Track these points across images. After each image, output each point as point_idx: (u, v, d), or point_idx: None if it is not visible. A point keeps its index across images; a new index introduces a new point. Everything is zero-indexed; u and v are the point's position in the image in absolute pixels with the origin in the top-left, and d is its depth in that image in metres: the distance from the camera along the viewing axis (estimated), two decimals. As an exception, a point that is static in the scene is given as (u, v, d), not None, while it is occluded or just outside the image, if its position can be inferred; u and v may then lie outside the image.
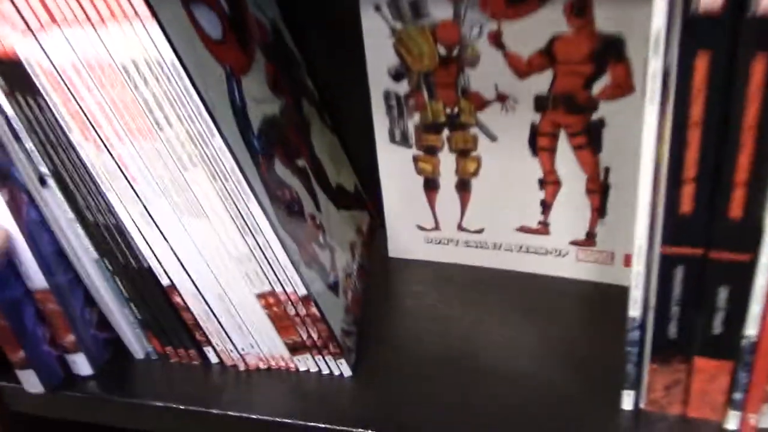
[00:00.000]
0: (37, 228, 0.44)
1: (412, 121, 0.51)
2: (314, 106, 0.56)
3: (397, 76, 0.50)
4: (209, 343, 0.48)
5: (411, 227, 0.57)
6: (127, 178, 0.42)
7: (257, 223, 0.42)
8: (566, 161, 0.49)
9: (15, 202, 0.43)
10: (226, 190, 0.41)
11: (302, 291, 0.44)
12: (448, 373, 0.47)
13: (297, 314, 0.45)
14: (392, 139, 0.53)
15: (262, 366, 0.48)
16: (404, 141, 0.53)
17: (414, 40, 0.48)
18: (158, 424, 0.48)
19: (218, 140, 0.40)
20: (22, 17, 0.37)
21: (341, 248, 0.52)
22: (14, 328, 0.44)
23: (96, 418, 0.48)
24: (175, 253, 0.44)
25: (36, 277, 0.44)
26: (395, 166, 0.54)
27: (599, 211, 0.51)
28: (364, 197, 0.61)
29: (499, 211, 0.53)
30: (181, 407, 0.47)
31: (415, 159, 0.53)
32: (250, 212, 0.42)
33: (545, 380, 0.45)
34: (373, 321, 0.51)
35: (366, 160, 0.58)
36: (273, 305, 0.45)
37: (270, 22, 0.52)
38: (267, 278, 0.44)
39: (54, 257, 0.45)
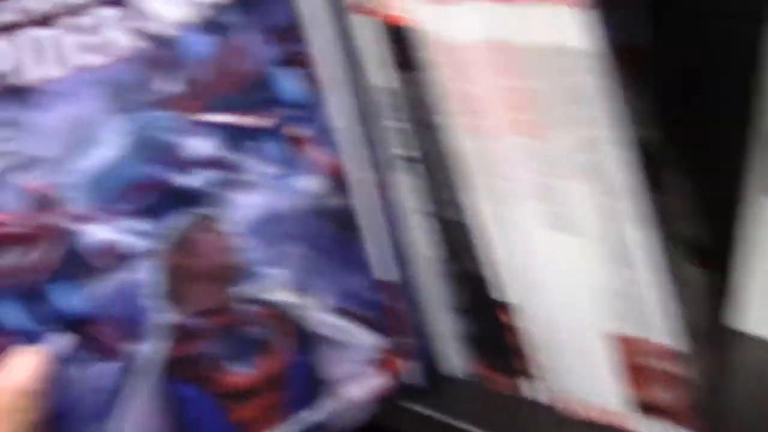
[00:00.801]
0: (391, 214, 0.41)
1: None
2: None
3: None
4: (530, 374, 0.42)
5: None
6: (496, 176, 0.37)
7: (641, 255, 0.36)
8: None
9: (368, 183, 0.40)
10: (612, 211, 0.36)
11: (672, 345, 0.37)
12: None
13: (656, 369, 0.38)
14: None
15: (589, 415, 0.42)
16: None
17: None
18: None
19: (617, 153, 0.34)
20: (435, -16, 0.34)
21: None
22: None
23: (399, 425, 0.45)
24: (526, 269, 0.39)
25: (388, 266, 0.41)
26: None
27: None
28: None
29: None
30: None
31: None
32: (635, 241, 0.36)
33: None
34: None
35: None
36: (629, 352, 0.39)
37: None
38: (629, 319, 0.38)
39: (396, 249, 0.42)
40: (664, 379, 0.39)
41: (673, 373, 0.38)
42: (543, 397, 0.43)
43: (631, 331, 0.38)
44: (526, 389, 0.43)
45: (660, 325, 0.37)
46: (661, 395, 0.39)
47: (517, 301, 0.40)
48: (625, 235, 0.36)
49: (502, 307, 0.41)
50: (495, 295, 0.41)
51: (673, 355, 0.38)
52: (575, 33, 0.33)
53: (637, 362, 0.39)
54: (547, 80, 0.34)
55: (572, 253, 0.38)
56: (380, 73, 0.38)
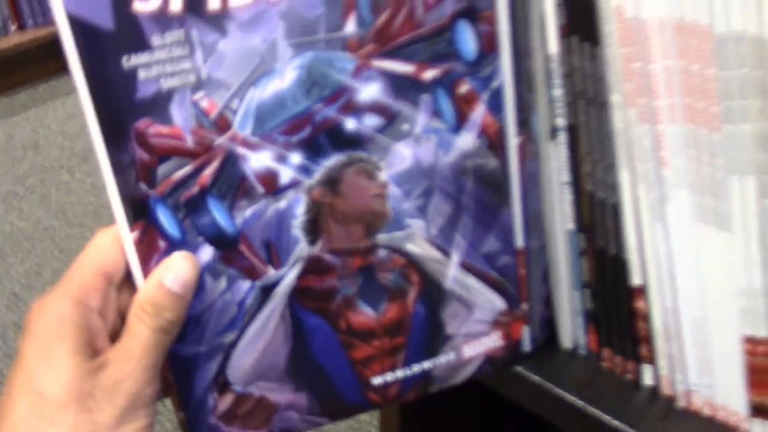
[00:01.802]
0: (531, 182, 0.41)
1: None
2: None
3: None
4: (654, 362, 0.42)
5: None
6: (657, 160, 0.37)
7: (794, 261, 0.35)
8: None
9: (522, 150, 0.40)
10: (774, 211, 0.35)
11: (809, 355, 0.36)
12: None
13: (787, 377, 0.38)
14: None
15: (706, 412, 0.41)
16: None
17: None
18: (561, 418, 0.44)
19: (796, 153, 0.33)
20: (629, -44, 0.34)
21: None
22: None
23: (509, 394, 0.45)
24: (668, 257, 0.39)
25: (517, 233, 0.42)
26: None
27: None
28: None
29: None
30: (595, 412, 0.42)
31: None
32: (792, 246, 0.35)
33: None
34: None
35: None
36: (759, 354, 0.38)
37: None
38: (766, 323, 0.37)
39: (535, 218, 0.42)
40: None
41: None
42: (660, 385, 0.43)
43: (766, 333, 0.37)
44: (645, 375, 0.43)
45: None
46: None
47: (653, 289, 0.40)
48: (780, 239, 0.35)
49: (637, 291, 0.41)
50: (631, 278, 0.40)
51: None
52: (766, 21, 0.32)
53: (764, 364, 0.38)
54: (732, 69, 0.33)
55: (720, 249, 0.37)
56: (558, 42, 0.38)
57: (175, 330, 0.37)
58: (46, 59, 2.44)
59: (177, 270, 0.36)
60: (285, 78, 0.36)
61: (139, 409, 0.36)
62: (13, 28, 2.36)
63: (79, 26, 0.33)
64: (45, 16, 2.42)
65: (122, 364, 0.36)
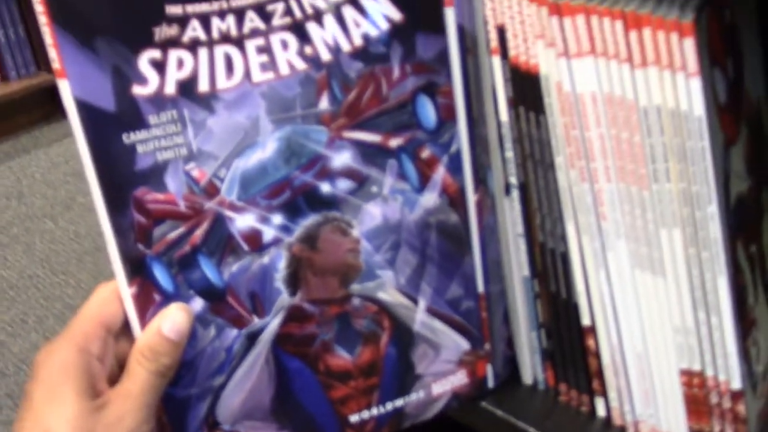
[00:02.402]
0: (489, 233, 0.46)
1: None
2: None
3: None
4: (605, 395, 0.46)
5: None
6: (597, 215, 0.42)
7: (717, 302, 0.39)
8: None
9: (480, 206, 0.45)
10: (699, 259, 0.39)
11: (736, 385, 0.41)
12: None
13: (718, 405, 0.42)
14: None
15: (653, 439, 0.46)
16: None
17: None
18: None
19: (713, 208, 0.38)
20: (564, 41, 0.39)
21: (765, 345, 0.48)
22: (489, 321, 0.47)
23: (476, 426, 0.49)
24: (612, 299, 0.43)
25: (478, 280, 0.46)
26: None
27: None
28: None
29: None
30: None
31: None
32: (715, 288, 0.39)
33: None
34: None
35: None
36: (695, 386, 0.42)
37: (756, 100, 0.49)
38: (701, 358, 0.41)
39: (494, 266, 0.47)
40: (723, 414, 0.42)
41: (733, 410, 0.42)
42: (611, 416, 0.47)
43: (699, 367, 0.42)
44: (598, 407, 0.47)
45: (727, 365, 0.40)
46: (717, 428, 0.43)
47: (600, 328, 0.44)
48: (706, 281, 0.40)
49: (587, 331, 0.45)
50: (581, 319, 0.45)
51: (736, 394, 0.41)
52: (685, 96, 0.37)
53: (701, 396, 0.42)
54: (655, 136, 0.38)
55: (656, 291, 0.42)
56: (506, 110, 0.43)
57: (171, 373, 0.41)
58: (29, 110, 2.47)
59: (173, 319, 0.40)
60: (267, 149, 0.40)
61: None
62: (-5, 79, 2.41)
63: (85, 109, 0.37)
64: (28, 67, 2.47)
65: (123, 403, 0.40)
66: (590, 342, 0.46)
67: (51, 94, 2.49)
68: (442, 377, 0.47)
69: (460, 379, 0.47)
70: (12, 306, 1.62)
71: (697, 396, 0.43)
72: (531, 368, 0.50)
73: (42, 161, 2.21)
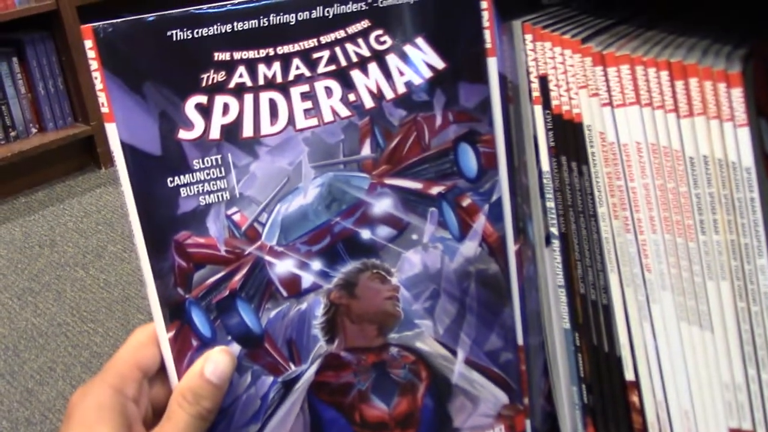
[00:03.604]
0: (529, 285, 0.45)
1: None
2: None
3: None
4: (648, 454, 0.45)
5: None
6: (641, 266, 0.41)
7: (768, 357, 0.38)
8: None
9: (519, 255, 0.44)
10: (749, 312, 0.38)
11: (789, 445, 0.39)
12: None
13: (771, 467, 0.40)
14: None
15: (700, 502, 0.44)
16: None
17: None
18: None
19: (763, 260, 0.37)
20: (609, 90, 0.39)
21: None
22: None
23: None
24: (657, 353, 0.42)
25: (518, 332, 0.45)
26: None
27: None
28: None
29: None
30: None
31: None
32: (766, 343, 0.38)
33: None
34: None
35: None
36: (744, 446, 0.41)
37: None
38: (752, 417, 0.40)
39: (534, 317, 0.46)
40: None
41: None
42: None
43: (750, 426, 0.40)
44: (640, 467, 0.46)
45: (781, 427, 0.39)
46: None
47: (644, 383, 0.43)
48: (757, 336, 0.39)
49: (630, 386, 0.44)
50: (624, 374, 0.44)
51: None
52: (733, 147, 0.36)
53: (753, 458, 0.41)
54: (701, 186, 0.38)
55: (703, 346, 0.41)
56: (548, 159, 0.43)
57: (212, 417, 0.40)
58: (65, 160, 2.53)
59: (216, 362, 0.40)
60: (308, 195, 0.41)
61: None
62: (34, 130, 2.47)
63: (131, 152, 0.38)
64: (65, 118, 2.53)
65: None
66: (634, 398, 0.44)
67: (86, 145, 2.56)
68: (480, 430, 0.46)
69: (498, 433, 0.46)
70: (41, 354, 1.63)
71: (747, 456, 0.41)
72: (571, 424, 0.48)
73: (75, 210, 2.25)
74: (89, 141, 2.47)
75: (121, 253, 1.98)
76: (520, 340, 0.46)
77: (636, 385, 0.44)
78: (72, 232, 2.14)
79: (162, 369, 0.41)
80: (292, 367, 0.42)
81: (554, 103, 0.42)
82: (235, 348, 0.41)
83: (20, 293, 1.86)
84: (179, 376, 0.41)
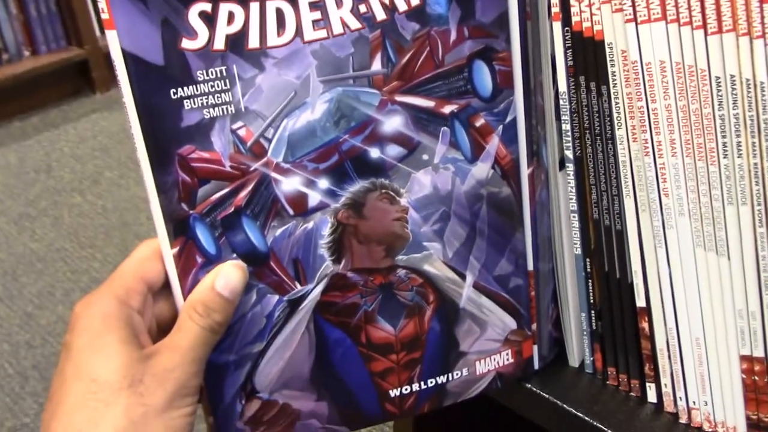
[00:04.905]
0: (541, 210, 0.44)
1: None
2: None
3: None
4: (656, 380, 0.45)
5: None
6: (658, 191, 0.40)
7: (786, 285, 0.38)
8: None
9: (532, 179, 0.43)
10: (764, 237, 0.37)
11: (800, 373, 0.39)
12: None
13: (780, 394, 0.40)
14: None
15: (707, 429, 0.44)
16: None
17: None
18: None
19: (786, 185, 0.36)
20: (633, 5, 0.37)
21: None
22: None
23: (519, 408, 0.48)
24: (670, 280, 0.41)
25: (528, 257, 0.44)
26: None
27: None
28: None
29: None
30: (600, 428, 0.44)
31: None
32: (784, 271, 0.38)
33: None
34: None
35: None
36: (756, 373, 0.40)
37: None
38: (765, 344, 0.40)
39: (545, 243, 0.45)
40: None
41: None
42: (662, 403, 0.45)
43: (762, 353, 0.40)
44: (648, 393, 0.45)
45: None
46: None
47: (655, 310, 0.43)
48: (773, 265, 0.38)
49: (640, 312, 0.43)
50: (635, 300, 0.43)
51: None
52: (763, 65, 0.35)
53: (762, 384, 0.40)
54: (726, 108, 0.36)
55: (718, 273, 0.40)
56: (565, 80, 0.41)
57: (222, 330, 0.39)
58: (58, 84, 2.48)
59: (227, 276, 0.39)
60: (316, 111, 0.39)
61: (185, 398, 0.39)
62: (26, 53, 2.41)
63: (132, 61, 0.36)
64: (58, 41, 2.47)
65: (172, 355, 0.38)
66: (644, 324, 0.44)
67: (81, 68, 2.50)
68: (487, 356, 0.46)
69: (504, 358, 0.46)
70: (39, 279, 1.62)
71: (758, 384, 0.41)
72: (578, 350, 0.48)
73: (71, 135, 2.22)
74: (83, 65, 2.42)
75: (118, 179, 1.96)
76: (530, 266, 0.45)
77: (647, 311, 0.44)
78: (68, 157, 2.11)
79: (166, 285, 0.41)
80: (298, 286, 0.41)
81: (575, 19, 0.40)
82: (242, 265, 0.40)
83: (17, 218, 1.84)
84: (184, 292, 0.40)
